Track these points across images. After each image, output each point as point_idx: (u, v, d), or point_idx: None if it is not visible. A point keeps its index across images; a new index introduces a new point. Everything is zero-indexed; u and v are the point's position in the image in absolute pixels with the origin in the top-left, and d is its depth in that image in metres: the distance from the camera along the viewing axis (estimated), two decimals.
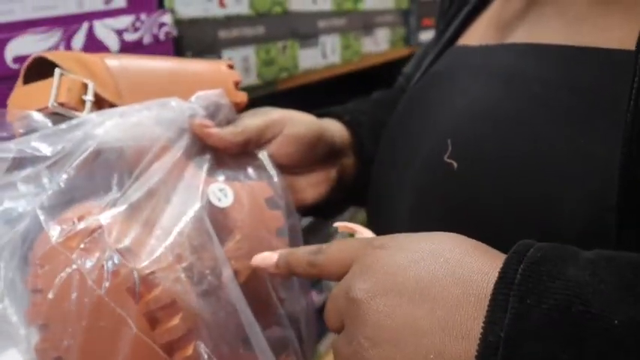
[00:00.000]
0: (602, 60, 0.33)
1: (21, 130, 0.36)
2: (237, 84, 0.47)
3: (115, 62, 0.41)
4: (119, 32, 0.58)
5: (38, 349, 0.34)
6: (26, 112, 0.37)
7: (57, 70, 0.38)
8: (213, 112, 0.43)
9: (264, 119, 0.46)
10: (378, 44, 1.23)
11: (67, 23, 0.53)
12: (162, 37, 0.63)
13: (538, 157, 0.32)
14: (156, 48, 0.63)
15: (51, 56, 0.40)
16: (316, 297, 1.09)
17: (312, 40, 0.95)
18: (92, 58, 0.41)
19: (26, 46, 0.50)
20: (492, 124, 0.36)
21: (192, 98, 0.42)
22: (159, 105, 0.40)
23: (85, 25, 0.55)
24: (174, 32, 0.66)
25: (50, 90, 0.37)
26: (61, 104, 0.37)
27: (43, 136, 0.35)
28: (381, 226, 0.46)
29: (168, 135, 0.40)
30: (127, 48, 0.59)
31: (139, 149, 0.38)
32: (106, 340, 0.33)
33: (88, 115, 0.37)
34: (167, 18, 0.63)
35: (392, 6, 1.27)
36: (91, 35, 0.55)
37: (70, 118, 0.37)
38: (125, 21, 0.58)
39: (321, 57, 0.99)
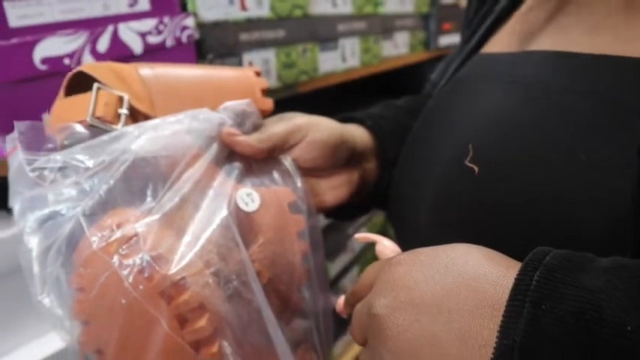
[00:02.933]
0: (622, 68, 0.33)
1: (65, 142, 0.39)
2: (264, 91, 0.48)
3: (148, 72, 0.43)
4: (143, 35, 0.59)
5: (80, 340, 0.37)
6: (68, 124, 0.40)
7: (95, 85, 0.40)
8: (241, 121, 0.45)
9: (288, 125, 0.47)
10: (398, 48, 1.23)
11: (93, 26, 0.55)
12: (184, 39, 0.64)
13: (558, 163, 0.33)
14: (178, 51, 0.64)
15: (89, 69, 0.42)
16: (332, 298, 1.10)
17: (332, 43, 0.96)
18: (127, 69, 0.43)
19: (53, 47, 0.51)
20: (513, 130, 0.36)
21: (221, 108, 0.44)
22: (190, 117, 0.42)
23: (110, 28, 0.56)
24: (197, 35, 0.67)
25: (88, 104, 0.40)
26: (98, 118, 0.40)
27: (85, 148, 0.39)
28: (400, 228, 0.48)
29: (199, 144, 0.42)
30: (150, 50, 0.60)
31: (172, 160, 0.40)
32: (140, 337, 0.36)
33: (125, 129, 0.40)
34: (190, 21, 0.64)
35: (412, 10, 1.27)
36: (115, 37, 0.56)
37: (107, 130, 0.40)
38: (149, 24, 0.59)
39: (340, 60, 0.99)
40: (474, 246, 0.30)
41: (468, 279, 0.27)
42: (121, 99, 0.41)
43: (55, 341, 0.55)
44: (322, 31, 0.92)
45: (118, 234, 0.36)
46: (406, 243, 0.43)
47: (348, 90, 1.31)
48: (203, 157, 0.42)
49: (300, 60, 0.87)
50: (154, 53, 0.61)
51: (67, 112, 0.41)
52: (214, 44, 0.71)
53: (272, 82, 0.82)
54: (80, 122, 0.40)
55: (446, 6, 1.43)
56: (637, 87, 0.31)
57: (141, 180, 0.39)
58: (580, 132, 0.33)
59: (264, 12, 0.78)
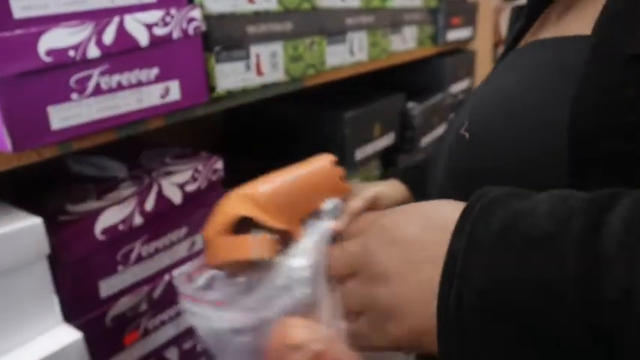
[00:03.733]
0: (579, 45, 0.40)
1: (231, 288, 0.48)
2: (342, 177, 0.54)
3: (267, 189, 0.51)
4: (149, 26, 0.58)
5: None
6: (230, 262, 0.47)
7: (252, 236, 0.46)
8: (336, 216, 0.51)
9: (367, 200, 0.55)
10: (406, 42, 1.22)
11: (99, 17, 0.54)
12: (191, 32, 0.63)
13: (525, 126, 0.41)
14: (185, 43, 0.63)
15: (240, 210, 0.48)
16: None
17: (339, 36, 0.94)
18: (259, 195, 0.50)
19: (58, 39, 0.50)
20: (497, 102, 0.45)
21: (323, 214, 0.51)
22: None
23: (116, 19, 0.55)
24: (203, 27, 0.66)
25: (246, 245, 0.46)
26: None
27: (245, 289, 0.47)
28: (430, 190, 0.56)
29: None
30: (157, 42, 0.59)
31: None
32: None
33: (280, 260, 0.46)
34: (196, 13, 0.63)
35: (420, 4, 1.25)
36: (121, 29, 0.55)
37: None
38: (155, 15, 0.58)
39: (348, 54, 0.98)
40: (450, 200, 0.39)
41: (434, 218, 0.38)
42: (269, 236, 0.47)
43: (56, 339, 0.55)
44: (330, 25, 0.90)
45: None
46: None
47: (355, 84, 1.30)
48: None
49: (307, 53, 0.86)
50: (160, 45, 0.60)
51: (227, 251, 0.47)
52: (221, 37, 0.70)
53: (279, 76, 0.81)
54: (239, 261, 0.47)
55: (454, 0, 1.41)
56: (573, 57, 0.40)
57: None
58: (546, 99, 0.40)
59: (272, 4, 0.77)
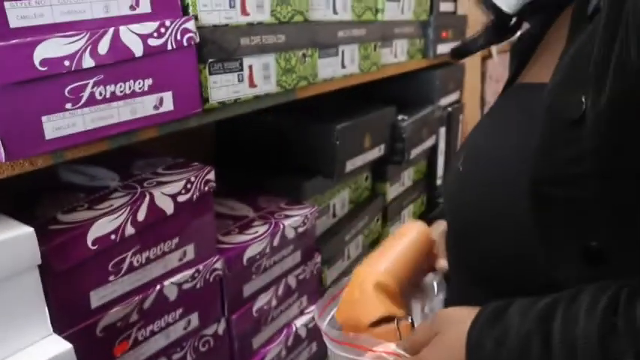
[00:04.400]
0: (537, 92, 0.49)
1: None
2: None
3: (395, 275, 0.64)
4: (144, 37, 0.58)
5: None
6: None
7: (397, 322, 0.60)
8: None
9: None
10: (397, 55, 1.23)
11: (94, 27, 0.54)
12: (185, 43, 0.63)
13: (499, 171, 0.50)
14: (179, 54, 0.63)
15: (378, 311, 0.61)
16: None
17: (331, 49, 0.95)
18: (391, 285, 0.64)
19: (53, 49, 0.50)
20: (481, 145, 0.56)
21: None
22: None
23: (111, 30, 0.55)
24: (197, 38, 0.66)
25: (393, 334, 0.60)
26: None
27: None
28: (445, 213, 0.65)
29: None
30: (151, 54, 0.60)
31: None
32: None
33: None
34: (191, 24, 0.64)
35: (411, 17, 1.27)
36: (116, 40, 0.56)
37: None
38: (150, 26, 0.59)
39: (340, 66, 0.99)
40: (455, 327, 0.50)
41: (452, 354, 0.49)
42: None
43: (46, 350, 0.54)
44: (322, 37, 0.91)
45: None
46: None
47: (346, 96, 1.30)
48: None
49: (299, 65, 0.87)
50: (154, 56, 0.60)
51: (378, 336, 0.60)
52: (214, 48, 0.70)
53: (272, 87, 0.82)
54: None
55: (444, 14, 1.43)
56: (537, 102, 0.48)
57: None
58: (512, 136, 0.51)
59: (265, 17, 0.78)
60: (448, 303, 0.67)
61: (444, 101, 1.53)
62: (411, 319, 0.61)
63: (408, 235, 0.69)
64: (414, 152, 1.33)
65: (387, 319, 0.61)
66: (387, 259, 0.66)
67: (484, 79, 2.02)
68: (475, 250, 0.53)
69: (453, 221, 0.58)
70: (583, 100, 0.42)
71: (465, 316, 0.51)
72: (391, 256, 0.66)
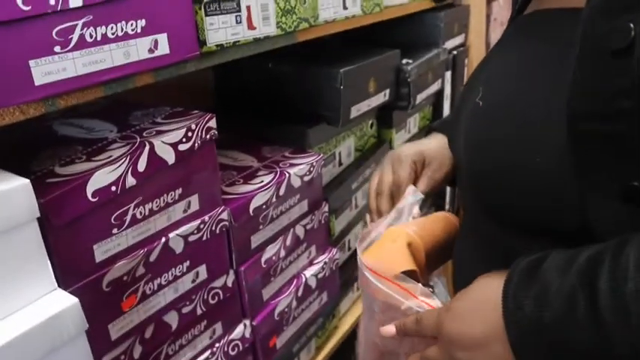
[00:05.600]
0: (568, 18, 0.46)
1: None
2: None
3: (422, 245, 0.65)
4: None
5: None
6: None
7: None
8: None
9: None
10: None
11: None
12: None
13: (529, 103, 0.46)
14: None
15: (405, 265, 0.61)
16: (337, 254, 1.08)
17: None
18: (419, 249, 0.64)
19: None
20: (505, 77, 0.51)
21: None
22: None
23: None
24: None
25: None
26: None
27: None
28: (455, 156, 0.64)
29: None
30: None
31: None
32: None
33: None
34: None
35: None
36: None
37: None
38: None
39: (341, 7, 0.95)
40: (485, 292, 0.48)
41: (486, 321, 0.46)
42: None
43: (51, 304, 0.53)
44: None
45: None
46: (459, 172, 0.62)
47: (349, 41, 1.26)
48: None
49: (299, 6, 0.82)
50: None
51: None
52: None
53: (271, 30, 0.78)
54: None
55: None
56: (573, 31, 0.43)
57: None
58: (546, 75, 0.46)
59: None
60: (460, 248, 0.65)
61: (449, 44, 1.48)
62: (432, 288, 0.61)
63: (436, 217, 0.69)
64: (420, 97, 1.29)
65: (412, 276, 0.60)
66: (421, 229, 0.66)
67: (489, 22, 1.95)
68: (501, 190, 0.49)
69: (471, 160, 0.53)
70: (631, 25, 0.38)
71: (486, 283, 0.48)
72: (422, 227, 0.66)
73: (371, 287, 0.60)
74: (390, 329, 0.57)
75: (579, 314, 0.39)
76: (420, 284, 0.59)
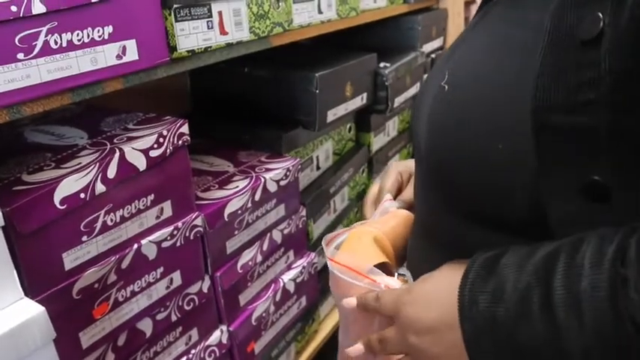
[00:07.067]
0: (536, 5, 0.45)
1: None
2: None
3: (387, 238, 0.66)
4: None
5: None
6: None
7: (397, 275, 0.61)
8: None
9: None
10: (376, 0, 1.19)
11: None
12: None
13: (494, 89, 0.46)
14: (140, 0, 0.59)
15: (375, 259, 0.62)
16: (316, 258, 1.08)
17: None
18: (385, 242, 0.65)
19: None
20: (471, 62, 0.50)
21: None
22: None
23: None
24: None
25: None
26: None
27: None
28: (415, 144, 0.61)
29: None
30: None
31: None
32: None
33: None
34: None
35: None
36: None
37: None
38: None
39: (316, 12, 0.95)
40: (446, 280, 0.48)
41: (442, 309, 0.47)
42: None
43: (17, 313, 0.52)
44: None
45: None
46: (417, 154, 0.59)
47: (325, 44, 1.26)
48: None
49: (273, 11, 0.83)
50: (112, 1, 0.56)
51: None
52: None
53: (244, 35, 0.78)
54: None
55: None
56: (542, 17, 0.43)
57: None
58: (514, 57, 0.45)
59: None
60: (412, 246, 0.65)
61: (427, 48, 1.49)
62: (405, 276, 0.61)
63: (397, 215, 0.69)
64: (398, 101, 1.30)
65: (384, 269, 0.60)
66: (381, 226, 0.67)
67: (467, 24, 1.97)
68: (459, 175, 0.49)
69: (433, 143, 0.52)
70: (600, 16, 0.38)
71: (449, 271, 0.49)
72: (384, 226, 0.67)
73: (344, 286, 0.60)
74: (351, 301, 0.57)
75: (533, 311, 0.40)
76: (392, 276, 0.59)
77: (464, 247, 0.50)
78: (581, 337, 0.37)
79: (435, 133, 0.51)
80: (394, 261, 0.66)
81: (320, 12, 0.96)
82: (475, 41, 0.52)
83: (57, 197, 0.58)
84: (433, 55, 1.53)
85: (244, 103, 1.09)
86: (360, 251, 0.63)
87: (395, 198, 0.74)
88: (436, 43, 1.57)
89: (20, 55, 0.50)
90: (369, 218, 0.75)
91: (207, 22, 0.71)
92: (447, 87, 0.50)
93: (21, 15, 0.48)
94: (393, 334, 0.52)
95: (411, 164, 0.77)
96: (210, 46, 0.72)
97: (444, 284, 0.47)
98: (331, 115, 1.05)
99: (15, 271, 0.53)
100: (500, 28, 0.49)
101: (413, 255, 0.64)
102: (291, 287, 1.01)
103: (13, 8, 0.48)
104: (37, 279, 0.58)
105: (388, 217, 0.69)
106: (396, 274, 0.61)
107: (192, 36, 0.69)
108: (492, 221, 0.47)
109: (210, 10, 0.71)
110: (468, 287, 0.44)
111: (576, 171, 0.41)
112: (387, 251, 0.65)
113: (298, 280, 1.03)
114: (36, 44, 0.51)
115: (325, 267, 1.18)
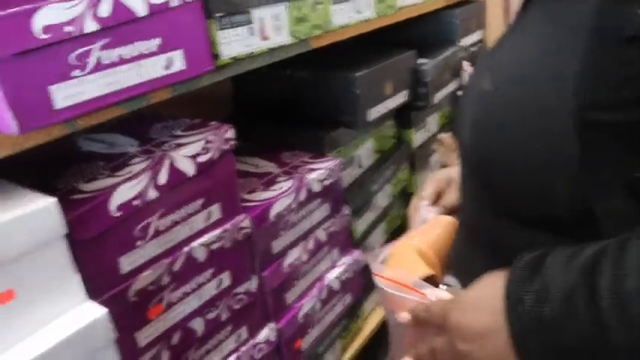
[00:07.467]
0: (578, 3, 0.45)
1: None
2: None
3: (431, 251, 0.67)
4: None
5: None
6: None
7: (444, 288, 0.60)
8: None
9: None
10: None
11: None
12: None
13: (537, 90, 0.46)
14: (184, 10, 0.62)
15: (421, 271, 0.63)
16: (360, 256, 1.09)
17: None
18: (429, 253, 0.66)
19: (53, 15, 0.49)
20: (515, 63, 0.50)
21: None
22: None
23: None
24: None
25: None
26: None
27: None
28: (459, 146, 0.61)
29: None
30: (155, 12, 0.58)
31: None
32: None
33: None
34: None
35: None
36: (116, 1, 0.54)
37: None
38: None
39: (354, 12, 0.95)
40: (491, 286, 0.48)
41: (488, 314, 0.47)
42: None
43: (81, 316, 0.55)
44: None
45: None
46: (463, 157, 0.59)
47: (364, 43, 1.27)
48: None
49: (311, 13, 0.84)
50: (158, 14, 0.58)
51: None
52: (221, 2, 0.68)
53: (284, 39, 0.79)
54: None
55: None
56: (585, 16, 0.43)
57: None
58: (549, 60, 0.45)
59: None
60: (459, 241, 0.65)
61: (466, 41, 1.48)
62: (452, 285, 0.62)
63: (439, 223, 0.70)
64: (438, 96, 1.30)
65: (430, 281, 0.61)
66: (423, 237, 0.68)
67: (507, 16, 1.94)
68: (501, 178, 0.50)
69: (477, 144, 0.52)
70: (639, 13, 0.38)
71: (493, 278, 0.49)
72: (426, 236, 0.68)
73: (392, 301, 0.61)
74: (405, 315, 0.58)
75: (579, 310, 0.40)
76: (437, 288, 0.60)
77: (506, 247, 0.50)
78: (626, 336, 0.37)
79: (478, 135, 0.52)
80: (440, 271, 0.66)
81: (358, 12, 0.97)
82: (515, 42, 0.52)
83: (112, 205, 0.61)
84: (472, 49, 1.51)
85: (286, 105, 1.11)
86: (405, 265, 0.64)
87: (435, 204, 0.75)
88: (475, 36, 1.55)
89: (75, 72, 0.52)
90: (412, 227, 0.76)
91: (249, 28, 0.73)
92: (489, 88, 0.51)
93: (75, 34, 0.51)
94: (443, 343, 0.52)
95: (449, 172, 0.78)
96: (252, 52, 0.74)
97: (489, 290, 0.48)
98: (372, 113, 1.06)
99: (78, 276, 0.56)
100: (540, 28, 0.49)
101: (458, 260, 0.64)
102: (336, 285, 1.03)
103: (69, 28, 0.51)
104: (96, 283, 0.61)
105: (429, 225, 0.69)
106: (442, 284, 0.61)
107: (234, 43, 0.71)
108: (535, 221, 0.48)
109: (250, 17, 0.73)
110: (513, 287, 0.45)
111: (620, 168, 0.41)
112: (432, 263, 0.65)
113: (343, 277, 1.04)
114: (88, 61, 0.53)
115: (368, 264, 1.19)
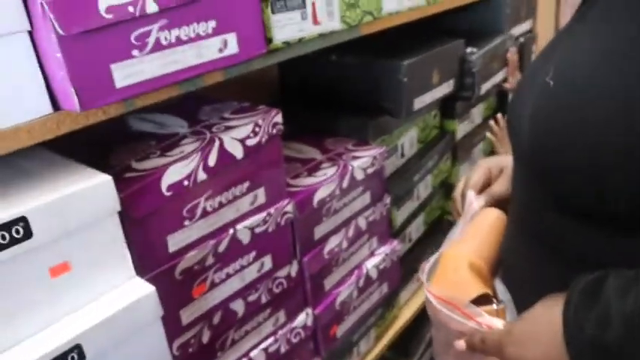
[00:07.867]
0: None
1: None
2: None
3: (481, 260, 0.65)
4: None
5: None
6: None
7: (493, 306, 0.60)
8: None
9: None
10: None
11: None
12: None
13: (603, 84, 0.45)
14: None
15: (476, 290, 0.61)
16: (398, 246, 1.08)
17: None
18: (480, 265, 0.64)
19: None
20: (578, 61, 0.49)
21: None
22: None
23: None
24: None
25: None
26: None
27: None
28: (514, 140, 0.59)
29: None
30: None
31: None
32: None
33: None
34: None
35: None
36: None
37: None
38: None
39: None
40: (544, 318, 0.48)
41: (547, 346, 0.47)
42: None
43: (130, 292, 0.56)
44: None
45: None
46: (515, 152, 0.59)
47: (412, 31, 1.25)
48: None
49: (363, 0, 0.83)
50: None
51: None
52: None
53: (335, 25, 0.78)
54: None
55: None
56: None
57: None
58: (618, 61, 0.44)
59: None
60: (510, 238, 0.64)
61: (516, 31, 1.44)
62: (504, 303, 0.61)
63: (487, 220, 0.68)
64: (485, 87, 1.27)
65: (484, 299, 0.61)
66: (473, 242, 0.67)
67: (559, 5, 1.88)
68: (565, 176, 0.48)
69: (537, 143, 0.51)
70: None
71: (546, 309, 0.48)
72: (476, 240, 0.67)
73: (443, 318, 0.61)
74: (461, 344, 0.58)
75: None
76: (490, 310, 0.60)
77: (565, 243, 0.49)
78: None
79: (541, 131, 0.50)
80: (491, 281, 0.65)
81: None
82: (580, 40, 0.51)
83: (164, 184, 0.61)
84: (522, 39, 1.47)
85: (331, 90, 1.10)
86: (457, 282, 0.63)
87: (481, 192, 0.72)
88: (525, 26, 1.51)
89: (135, 52, 0.53)
90: (456, 216, 0.74)
91: (302, 12, 0.73)
92: (551, 83, 0.49)
93: (137, 15, 0.52)
94: None
95: (501, 160, 0.75)
96: (304, 37, 0.74)
97: (543, 322, 0.47)
98: (418, 102, 1.05)
99: (128, 253, 0.57)
100: (606, 28, 0.48)
101: (509, 258, 0.63)
102: (373, 274, 1.03)
103: (131, 8, 0.51)
104: (145, 260, 0.62)
105: (477, 224, 0.68)
106: (494, 305, 0.61)
107: (287, 27, 0.71)
108: (593, 216, 0.46)
109: (304, 1, 0.73)
110: (571, 314, 0.44)
111: None
112: (484, 276, 0.64)
113: (381, 266, 1.04)
114: (148, 41, 0.54)
115: (406, 254, 1.18)
